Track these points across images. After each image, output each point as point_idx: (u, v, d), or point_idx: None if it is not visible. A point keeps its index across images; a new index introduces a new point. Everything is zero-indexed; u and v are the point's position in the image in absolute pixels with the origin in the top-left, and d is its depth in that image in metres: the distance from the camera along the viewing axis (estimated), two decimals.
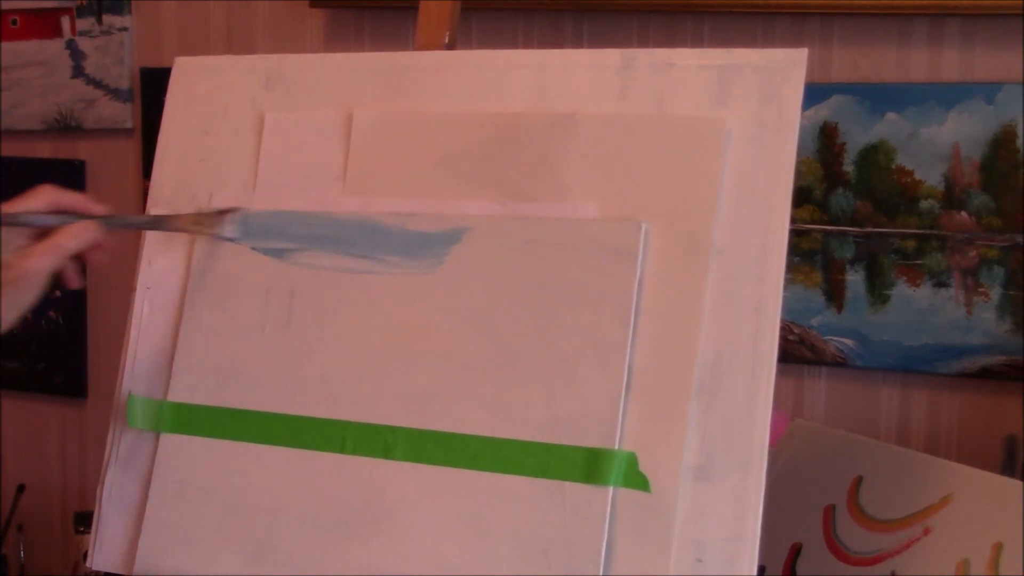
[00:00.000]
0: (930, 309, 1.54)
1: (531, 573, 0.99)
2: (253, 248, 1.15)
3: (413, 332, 1.08)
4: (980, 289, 1.52)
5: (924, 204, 1.54)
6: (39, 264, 1.03)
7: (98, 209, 1.09)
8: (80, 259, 1.09)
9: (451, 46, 1.22)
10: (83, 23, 1.99)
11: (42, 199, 1.06)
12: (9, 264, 1.03)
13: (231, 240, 1.13)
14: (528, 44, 1.72)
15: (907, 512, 1.21)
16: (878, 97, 1.55)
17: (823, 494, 1.28)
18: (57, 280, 1.08)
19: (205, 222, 1.13)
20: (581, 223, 1.04)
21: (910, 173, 1.54)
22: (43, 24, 2.02)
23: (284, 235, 1.14)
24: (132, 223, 1.16)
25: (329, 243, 1.12)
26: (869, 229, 1.57)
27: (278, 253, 1.14)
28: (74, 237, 1.05)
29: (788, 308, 1.53)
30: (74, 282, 1.10)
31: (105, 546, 1.17)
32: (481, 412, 1.04)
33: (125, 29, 1.97)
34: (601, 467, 0.98)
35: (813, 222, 1.59)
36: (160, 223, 1.16)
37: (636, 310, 1.01)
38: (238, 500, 1.11)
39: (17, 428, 2.11)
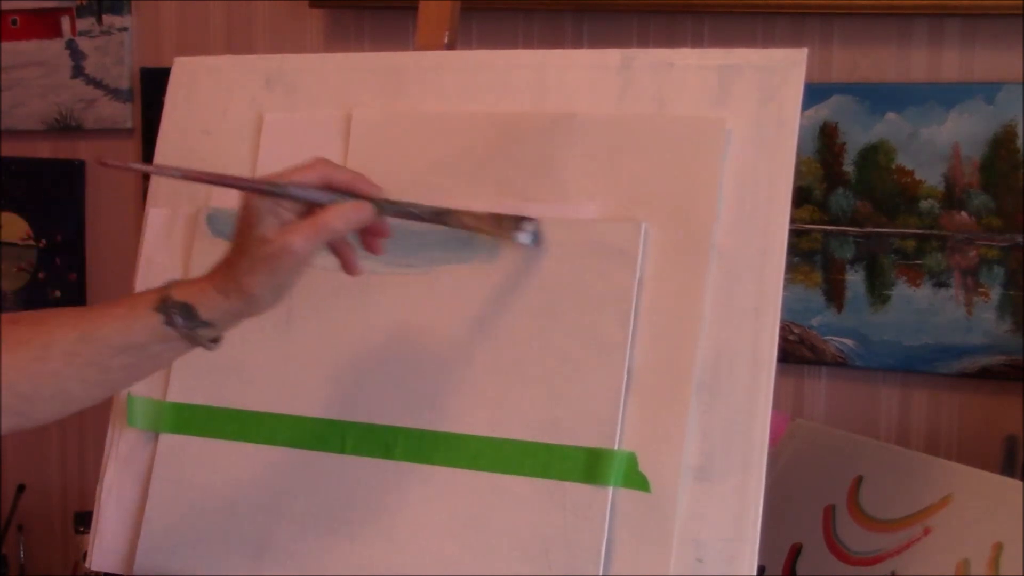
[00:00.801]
0: (930, 309, 1.54)
1: (531, 573, 0.99)
2: None
3: (413, 332, 1.08)
4: (980, 289, 1.52)
5: (924, 204, 1.54)
6: (299, 242, 0.93)
7: (374, 190, 0.98)
8: (360, 242, 1.00)
9: (451, 46, 1.22)
10: (83, 23, 1.99)
11: (315, 172, 0.96)
12: (267, 239, 0.93)
13: (525, 245, 1.04)
14: (528, 44, 1.72)
15: (907, 512, 1.21)
16: (878, 97, 1.55)
17: (823, 494, 1.28)
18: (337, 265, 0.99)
19: (501, 224, 1.04)
20: (581, 223, 1.04)
21: (910, 173, 1.54)
22: (43, 24, 2.02)
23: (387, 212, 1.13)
24: (410, 212, 1.02)
25: None
26: (869, 229, 1.57)
27: None
28: (341, 218, 0.95)
29: (788, 308, 1.53)
30: (354, 269, 1.00)
31: (105, 546, 1.17)
32: (481, 412, 1.04)
33: (125, 29, 1.97)
34: (601, 467, 0.98)
35: (813, 222, 1.59)
36: (445, 217, 1.04)
37: (636, 310, 1.00)
38: (238, 500, 1.11)
39: None
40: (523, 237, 1.03)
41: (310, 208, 0.95)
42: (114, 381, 0.99)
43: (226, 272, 0.95)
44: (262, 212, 0.94)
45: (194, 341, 0.97)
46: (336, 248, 0.99)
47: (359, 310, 1.10)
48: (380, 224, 0.99)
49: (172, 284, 0.97)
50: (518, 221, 1.04)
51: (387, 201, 0.99)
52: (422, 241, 1.09)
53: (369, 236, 1.00)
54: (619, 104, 1.06)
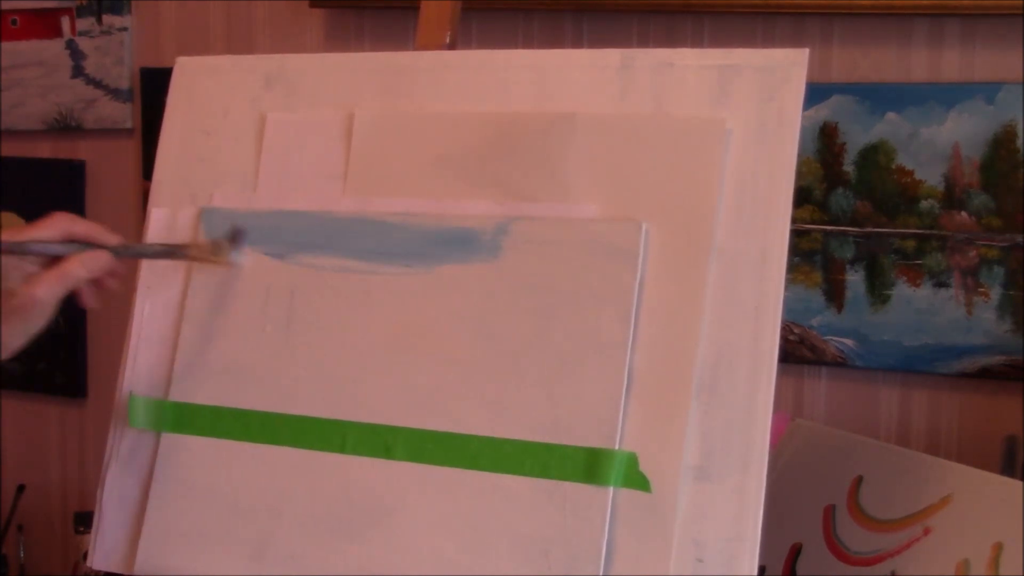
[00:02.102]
0: (930, 309, 1.54)
1: (531, 573, 0.99)
2: (253, 249, 1.15)
3: (413, 332, 1.08)
4: (980, 289, 1.52)
5: (924, 204, 1.54)
6: (45, 292, 1.04)
7: (110, 239, 1.09)
8: (94, 283, 1.10)
9: (451, 46, 1.22)
10: (83, 23, 1.99)
11: (55, 227, 1.07)
12: (13, 292, 1.03)
13: (237, 263, 1.14)
14: (528, 44, 1.72)
15: (907, 512, 1.21)
16: (878, 97, 1.55)
17: (823, 494, 1.28)
18: (72, 300, 1.08)
19: (218, 249, 1.13)
20: (581, 223, 1.04)
21: (910, 173, 1.54)
22: (43, 24, 2.02)
23: (284, 235, 1.14)
24: (144, 252, 1.16)
25: (329, 243, 1.12)
26: (869, 229, 1.57)
27: (278, 253, 1.14)
28: (83, 266, 1.06)
29: (788, 308, 1.51)
30: (89, 302, 1.11)
31: (105, 546, 1.17)
32: (481, 412, 1.04)
33: (125, 29, 1.97)
34: (601, 467, 0.98)
35: (813, 222, 1.59)
36: (172, 252, 1.16)
37: (636, 310, 1.01)
38: (239, 500, 1.11)
39: (17, 428, 2.11)
40: (237, 257, 1.13)
41: (53, 259, 1.06)
42: None
43: None
44: (8, 268, 1.05)
45: None
46: (76, 290, 1.09)
47: (359, 310, 1.10)
48: (115, 266, 1.10)
49: None
50: (231, 243, 1.13)
51: (122, 246, 1.10)
52: (423, 240, 1.09)
53: (106, 277, 1.10)
54: (619, 104, 1.06)
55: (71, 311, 1.11)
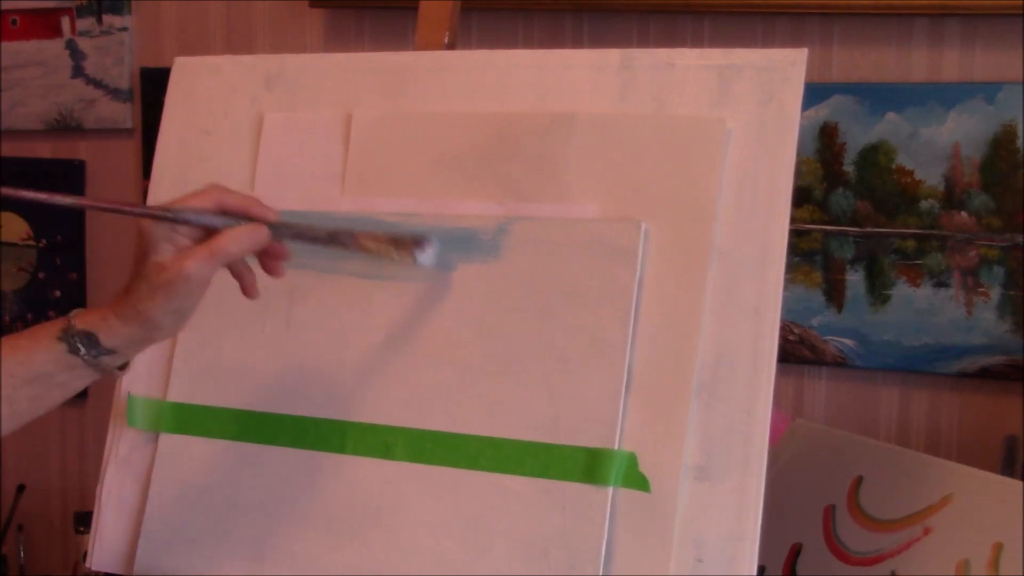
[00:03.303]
0: (930, 309, 1.54)
1: (531, 573, 0.99)
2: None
3: (413, 332, 1.08)
4: (980, 289, 1.52)
5: (924, 204, 1.54)
6: (195, 267, 0.95)
7: (269, 214, 0.99)
8: (262, 264, 1.02)
9: (451, 46, 1.22)
10: (83, 23, 1.99)
11: (209, 198, 0.98)
12: (164, 266, 0.95)
13: (425, 265, 1.05)
14: (528, 44, 1.72)
15: (907, 512, 1.21)
16: (878, 97, 1.55)
17: (823, 494, 1.28)
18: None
19: (401, 246, 1.04)
20: (581, 223, 1.04)
21: (910, 173, 1.54)
22: (43, 24, 2.02)
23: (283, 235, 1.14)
24: (307, 233, 1.03)
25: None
26: (869, 229, 1.57)
27: None
28: (236, 241, 0.96)
29: (788, 308, 1.53)
30: (252, 292, 1.02)
31: (105, 546, 1.17)
32: (481, 412, 1.04)
33: (125, 29, 1.97)
34: (601, 467, 0.98)
35: (813, 222, 1.59)
36: (342, 238, 1.04)
37: (636, 310, 1.01)
38: (238, 500, 1.11)
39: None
40: (423, 258, 1.04)
41: (206, 233, 0.97)
42: (21, 412, 1.00)
43: (125, 299, 0.98)
44: (158, 239, 0.96)
45: (99, 368, 0.99)
46: (235, 271, 1.01)
47: (358, 310, 1.10)
48: (277, 247, 1.01)
49: (75, 313, 0.99)
50: (416, 241, 1.04)
51: (283, 224, 1.00)
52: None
53: (268, 259, 1.01)
54: (619, 104, 1.06)
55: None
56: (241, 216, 0.98)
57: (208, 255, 0.96)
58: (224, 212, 0.98)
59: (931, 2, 1.52)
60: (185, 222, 0.96)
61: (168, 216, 0.96)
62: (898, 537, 1.20)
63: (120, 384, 1.18)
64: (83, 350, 0.97)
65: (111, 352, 0.98)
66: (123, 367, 1.01)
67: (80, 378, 0.99)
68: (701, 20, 1.64)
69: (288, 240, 1.01)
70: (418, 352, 1.07)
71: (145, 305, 0.96)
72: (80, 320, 0.98)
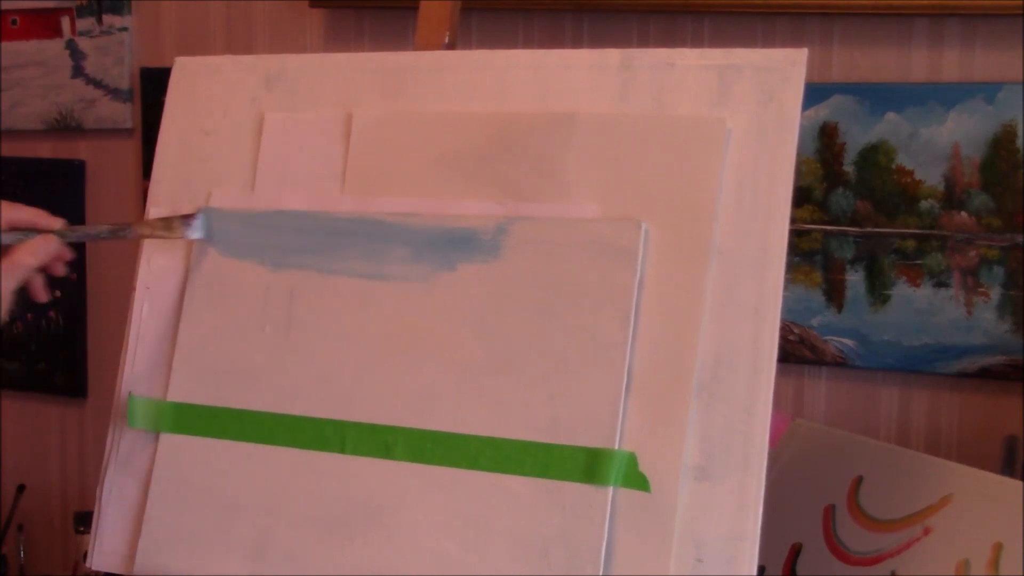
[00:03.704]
0: (930, 309, 1.54)
1: (531, 573, 0.99)
2: (252, 248, 1.15)
3: (413, 332, 1.08)
4: (980, 289, 1.52)
5: (924, 204, 1.54)
6: None
7: (54, 222, 1.07)
8: (43, 271, 1.08)
9: (451, 46, 1.22)
10: (83, 23, 1.99)
11: None
12: None
13: (200, 239, 1.13)
14: (528, 44, 1.72)
15: (907, 512, 1.21)
16: (878, 97, 1.55)
17: (823, 494, 1.28)
18: (23, 295, 1.07)
19: (170, 226, 1.13)
20: (581, 223, 1.04)
21: (910, 173, 1.54)
22: (43, 24, 2.02)
23: (283, 235, 1.14)
24: (90, 233, 1.16)
25: (328, 243, 1.12)
26: (869, 229, 1.57)
27: (277, 254, 1.14)
28: (32, 253, 1.04)
29: (788, 308, 1.53)
30: (41, 295, 1.09)
31: (105, 546, 1.17)
32: (481, 412, 1.04)
33: (125, 29, 1.97)
34: (601, 467, 0.98)
35: (813, 222, 1.59)
36: (120, 231, 1.14)
37: (636, 310, 1.01)
38: (238, 500, 1.11)
39: (17, 428, 2.11)
40: (192, 232, 1.13)
41: (1, 251, 1.03)
42: None
43: None
44: None
45: None
46: (28, 282, 1.07)
47: (358, 310, 1.10)
48: (62, 250, 1.08)
49: None
50: (184, 218, 1.13)
51: (68, 229, 1.09)
52: (422, 241, 1.09)
53: (53, 261, 1.08)
54: (619, 104, 1.06)
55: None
56: (29, 229, 1.05)
57: (7, 272, 1.02)
58: (12, 228, 1.04)
59: (931, 2, 1.52)
60: None
61: None
62: (898, 537, 1.20)
63: (120, 384, 1.18)
64: None
65: None
66: None
67: None
68: (701, 20, 1.64)
69: (75, 242, 1.10)
70: (418, 352, 1.07)
71: None
72: None
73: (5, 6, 2.03)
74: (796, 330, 1.60)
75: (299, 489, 1.09)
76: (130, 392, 1.17)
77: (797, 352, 1.60)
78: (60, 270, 1.10)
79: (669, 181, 1.02)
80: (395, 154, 1.13)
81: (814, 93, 1.54)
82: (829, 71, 1.59)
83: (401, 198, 1.12)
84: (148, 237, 1.14)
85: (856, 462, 1.28)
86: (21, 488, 1.96)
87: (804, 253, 1.60)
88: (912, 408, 1.59)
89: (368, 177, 1.14)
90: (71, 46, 2.00)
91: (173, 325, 1.17)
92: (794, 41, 1.59)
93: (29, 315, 2.03)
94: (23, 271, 1.04)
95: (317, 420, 1.09)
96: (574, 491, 0.99)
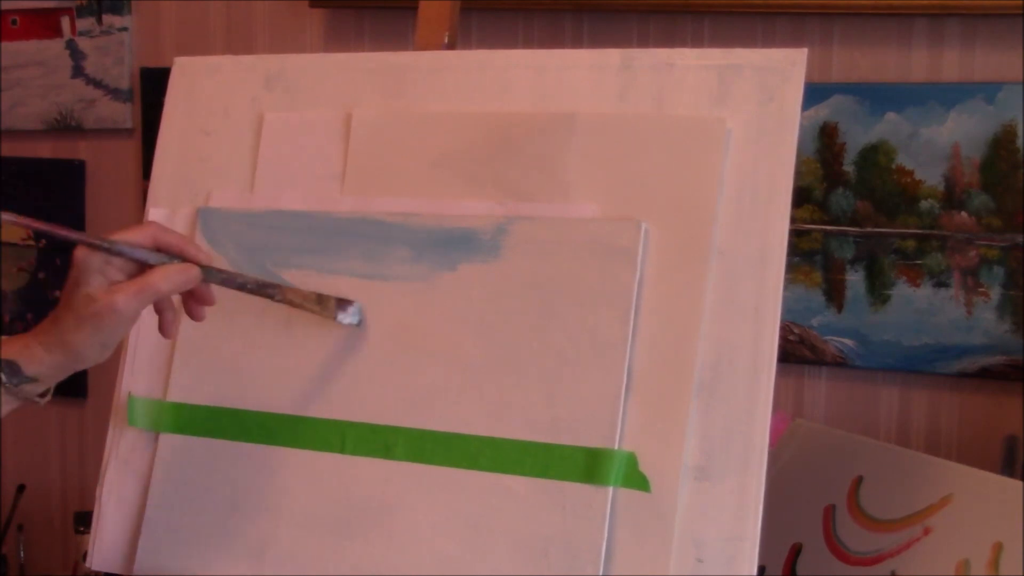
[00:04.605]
0: (930, 309, 1.54)
1: (531, 573, 0.99)
2: (252, 248, 1.15)
3: (413, 332, 1.08)
4: (980, 289, 1.52)
5: (924, 204, 1.54)
6: (124, 302, 0.96)
7: (201, 256, 1.01)
8: (187, 308, 1.03)
9: (451, 46, 1.22)
10: (83, 23, 1.99)
11: (146, 233, 0.99)
12: (94, 298, 0.96)
13: (348, 325, 1.09)
14: (528, 44, 1.72)
15: (907, 512, 1.21)
16: (878, 97, 1.55)
17: (823, 494, 1.28)
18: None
19: (325, 305, 1.08)
20: (581, 223, 1.04)
21: (910, 173, 1.54)
22: (43, 24, 2.02)
23: (283, 235, 1.14)
24: (236, 281, 1.04)
25: (328, 243, 1.12)
26: (869, 229, 1.57)
27: (277, 252, 1.14)
28: (167, 280, 0.98)
29: (788, 308, 1.52)
30: (169, 333, 1.04)
31: (105, 546, 1.17)
32: (481, 412, 1.04)
33: (125, 29, 1.97)
34: (601, 467, 0.98)
35: (813, 222, 1.59)
36: (269, 291, 1.06)
37: (636, 310, 1.01)
38: (238, 500, 1.11)
39: (17, 428, 2.11)
40: (346, 319, 1.08)
41: (138, 268, 0.98)
42: None
43: (51, 328, 0.98)
44: (91, 270, 0.96)
45: (19, 396, 1.00)
46: (159, 308, 1.01)
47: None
48: (204, 290, 1.02)
49: None
50: (340, 303, 1.08)
51: (214, 268, 1.02)
52: (422, 241, 1.09)
53: (193, 301, 1.02)
54: (619, 104, 1.06)
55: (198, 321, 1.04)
56: (175, 255, 0.99)
57: (138, 291, 0.97)
58: (159, 249, 0.99)
59: (931, 2, 1.52)
60: (119, 254, 0.97)
61: (103, 246, 0.97)
62: (898, 537, 1.20)
63: (120, 384, 1.18)
64: (5, 378, 0.98)
65: (33, 380, 0.99)
66: (44, 394, 1.01)
67: (3, 404, 1.00)
68: (701, 20, 1.64)
69: (216, 284, 1.03)
70: (418, 352, 1.07)
71: (71, 336, 0.97)
72: (3, 349, 0.99)
73: (5, 6, 2.03)
74: (796, 330, 1.60)
75: (299, 489, 1.09)
76: (130, 392, 1.17)
77: (797, 352, 1.60)
78: (199, 314, 1.03)
79: (669, 181, 1.02)
80: (395, 154, 1.13)
81: (814, 93, 1.54)
82: (829, 71, 1.59)
83: (401, 198, 1.12)
84: (295, 307, 1.08)
85: (856, 462, 1.28)
86: (21, 488, 1.95)
87: (804, 253, 1.60)
88: (912, 408, 1.59)
89: (368, 177, 1.14)
90: (71, 46, 2.00)
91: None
92: (794, 41, 1.59)
93: (29, 315, 2.03)
94: (150, 295, 0.97)
95: (317, 420, 1.09)
96: (574, 491, 0.99)
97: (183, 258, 1.00)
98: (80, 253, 0.97)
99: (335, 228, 1.12)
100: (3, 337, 1.00)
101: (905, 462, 1.26)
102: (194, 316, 1.03)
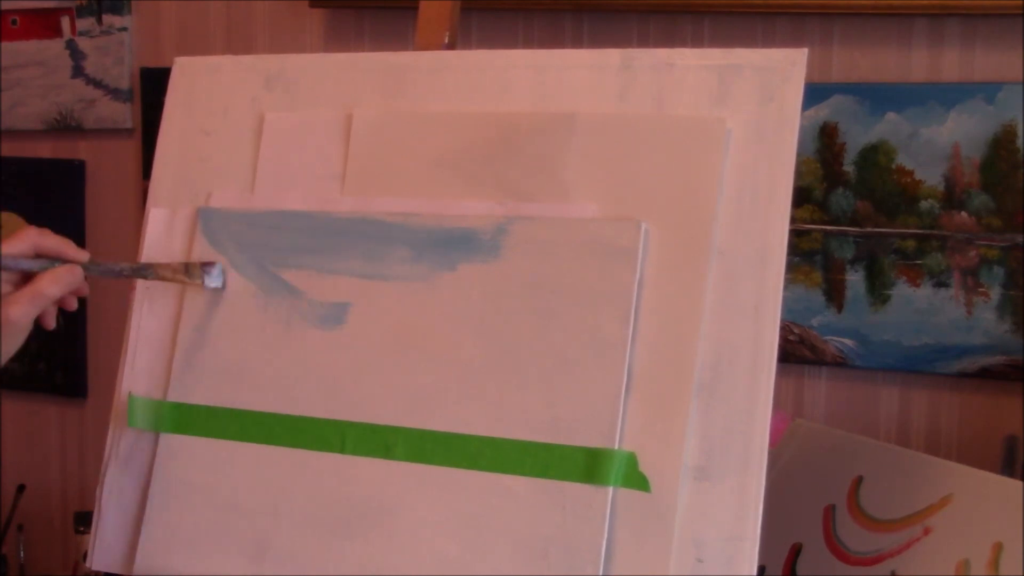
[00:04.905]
0: (930, 309, 1.54)
1: (531, 573, 0.99)
2: (252, 248, 1.15)
3: (413, 332, 1.08)
4: (980, 289, 1.52)
5: (924, 204, 1.54)
6: (20, 311, 1.01)
7: (80, 254, 1.07)
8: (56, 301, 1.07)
9: (451, 46, 1.22)
10: (83, 23, 1.99)
11: (25, 242, 1.03)
12: None
13: (216, 289, 1.14)
14: (528, 44, 1.72)
15: (907, 512, 1.21)
16: (878, 97, 1.55)
17: (823, 494, 1.28)
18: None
19: (190, 272, 1.13)
20: (581, 223, 1.04)
21: (910, 173, 1.54)
22: (43, 24, 2.02)
23: (283, 235, 1.14)
24: (114, 270, 1.14)
25: (328, 243, 1.12)
26: (869, 229, 1.57)
27: (277, 252, 1.14)
28: (55, 283, 1.03)
29: (788, 308, 1.53)
30: (50, 324, 1.08)
31: (105, 546, 1.17)
32: (481, 412, 1.04)
33: (125, 29, 1.97)
34: (601, 467, 0.98)
35: (813, 222, 1.59)
36: (143, 271, 1.14)
37: (636, 310, 1.01)
38: (238, 500, 1.11)
39: (17, 428, 2.11)
40: (212, 281, 1.13)
41: (23, 277, 1.02)
42: None
43: None
44: None
45: None
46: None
47: (359, 309, 1.10)
48: (82, 284, 1.07)
49: None
50: (204, 266, 1.14)
51: (93, 263, 1.08)
52: (422, 241, 1.09)
53: (69, 294, 1.07)
54: (619, 104, 1.06)
55: (69, 312, 1.08)
56: (55, 258, 1.04)
57: (30, 299, 1.01)
58: (39, 255, 1.03)
59: (931, 2, 1.52)
60: (3, 268, 1.01)
61: None
62: (898, 537, 1.20)
63: (120, 384, 1.18)
64: None
65: None
66: None
67: None
68: (701, 20, 1.64)
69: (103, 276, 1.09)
70: (418, 352, 1.07)
71: None
72: None
73: (5, 6, 2.03)
74: (796, 330, 1.60)
75: (299, 489, 1.09)
76: (130, 392, 1.17)
77: (797, 352, 1.60)
78: (72, 304, 1.08)
79: (669, 181, 1.02)
80: (395, 154, 1.13)
81: (814, 93, 1.54)
82: (829, 71, 1.59)
83: (401, 198, 1.12)
84: (168, 280, 1.14)
85: (856, 462, 1.28)
86: (21, 488, 1.96)
87: (804, 253, 1.60)
88: (912, 408, 1.59)
89: (368, 177, 1.14)
90: (71, 46, 2.00)
91: (173, 325, 1.17)
92: (794, 41, 1.59)
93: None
94: (45, 300, 1.02)
95: (317, 420, 1.09)
96: (574, 491, 0.99)
97: (63, 259, 1.04)
98: None
99: (335, 228, 1.12)
100: None
101: (905, 462, 1.26)
102: (68, 307, 1.08)
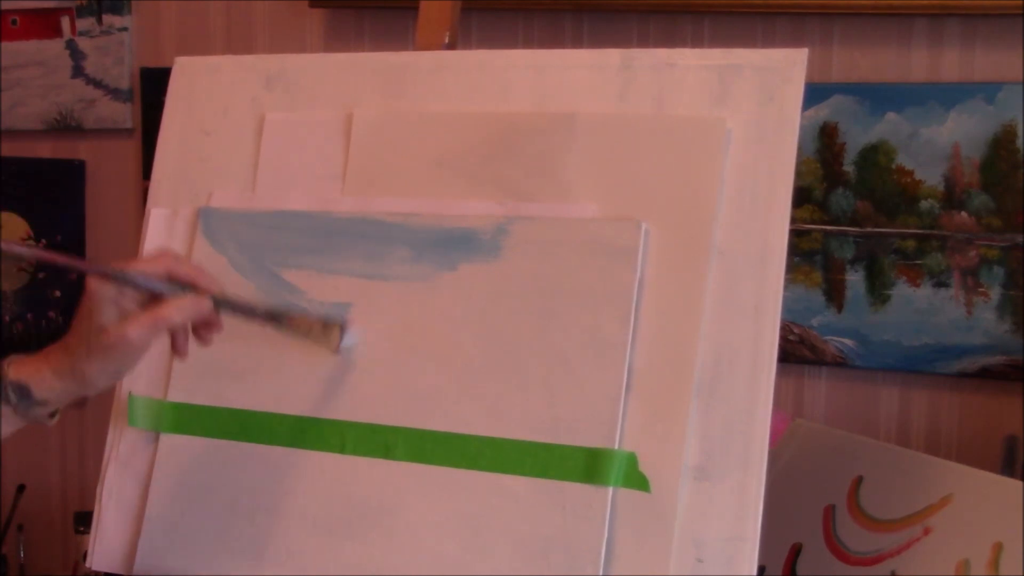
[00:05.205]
0: (930, 309, 1.54)
1: (531, 573, 0.99)
2: (252, 248, 1.15)
3: (413, 332, 1.08)
4: (980, 289, 1.52)
5: (924, 204, 1.54)
6: (136, 333, 0.97)
7: (213, 286, 1.01)
8: (195, 333, 1.03)
9: (451, 46, 1.22)
10: (83, 23, 1.99)
11: (160, 264, 0.99)
12: (106, 329, 0.97)
13: (342, 351, 1.09)
14: (528, 44, 1.72)
15: (907, 512, 1.21)
16: (878, 97, 1.55)
17: (823, 494, 1.28)
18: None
19: (329, 335, 1.08)
20: (581, 223, 1.04)
21: (910, 173, 1.54)
22: (43, 24, 2.02)
23: (283, 235, 1.14)
24: (247, 309, 1.06)
25: (329, 243, 1.12)
26: (869, 229, 1.57)
27: (277, 252, 1.14)
28: (180, 311, 0.98)
29: (788, 308, 1.52)
30: (182, 352, 1.03)
31: (105, 546, 1.17)
32: (481, 412, 1.04)
33: (125, 29, 1.97)
34: (601, 467, 0.98)
35: (813, 222, 1.59)
36: (278, 319, 1.07)
37: (636, 310, 1.01)
38: (238, 500, 1.11)
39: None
40: (344, 341, 1.08)
41: (151, 298, 0.98)
42: None
43: (63, 355, 0.99)
44: (104, 300, 0.97)
45: (28, 418, 1.01)
46: (171, 334, 1.02)
47: (359, 309, 1.10)
48: (213, 318, 1.02)
49: (10, 361, 1.00)
50: (341, 327, 1.08)
51: (225, 298, 1.02)
52: (423, 241, 1.09)
53: (203, 328, 1.03)
54: (619, 104, 1.06)
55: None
56: (188, 285, 1.00)
57: (151, 323, 0.97)
58: (172, 280, 0.99)
59: (931, 2, 1.52)
60: (134, 284, 0.98)
61: (118, 276, 0.97)
62: (898, 537, 1.20)
63: (120, 384, 1.18)
64: (14, 400, 0.99)
65: (41, 404, 1.00)
66: (53, 415, 1.03)
67: (7, 425, 1.01)
68: (701, 20, 1.64)
69: (226, 312, 1.03)
70: (418, 352, 1.07)
71: (83, 365, 0.98)
72: (15, 370, 0.99)
73: (5, 6, 2.03)
74: (796, 330, 1.60)
75: (299, 489, 1.09)
76: (130, 392, 1.17)
77: (797, 352, 1.60)
78: (207, 339, 1.03)
79: (669, 181, 1.02)
80: (395, 154, 1.13)
81: (814, 93, 1.54)
82: (829, 71, 1.59)
83: (401, 198, 1.12)
84: (302, 337, 1.08)
85: (856, 462, 1.28)
86: (21, 488, 1.95)
87: (804, 253, 1.60)
88: (912, 408, 1.59)
89: (368, 177, 1.14)
90: (71, 46, 2.00)
91: None
92: (794, 41, 1.59)
93: (29, 315, 2.03)
94: (165, 325, 0.98)
95: (317, 420, 1.09)
96: (574, 491, 0.99)
97: (195, 288, 1.00)
98: (93, 283, 0.97)
99: (336, 228, 1.12)
100: (15, 357, 1.01)
101: (905, 462, 1.26)
102: (202, 341, 1.03)
